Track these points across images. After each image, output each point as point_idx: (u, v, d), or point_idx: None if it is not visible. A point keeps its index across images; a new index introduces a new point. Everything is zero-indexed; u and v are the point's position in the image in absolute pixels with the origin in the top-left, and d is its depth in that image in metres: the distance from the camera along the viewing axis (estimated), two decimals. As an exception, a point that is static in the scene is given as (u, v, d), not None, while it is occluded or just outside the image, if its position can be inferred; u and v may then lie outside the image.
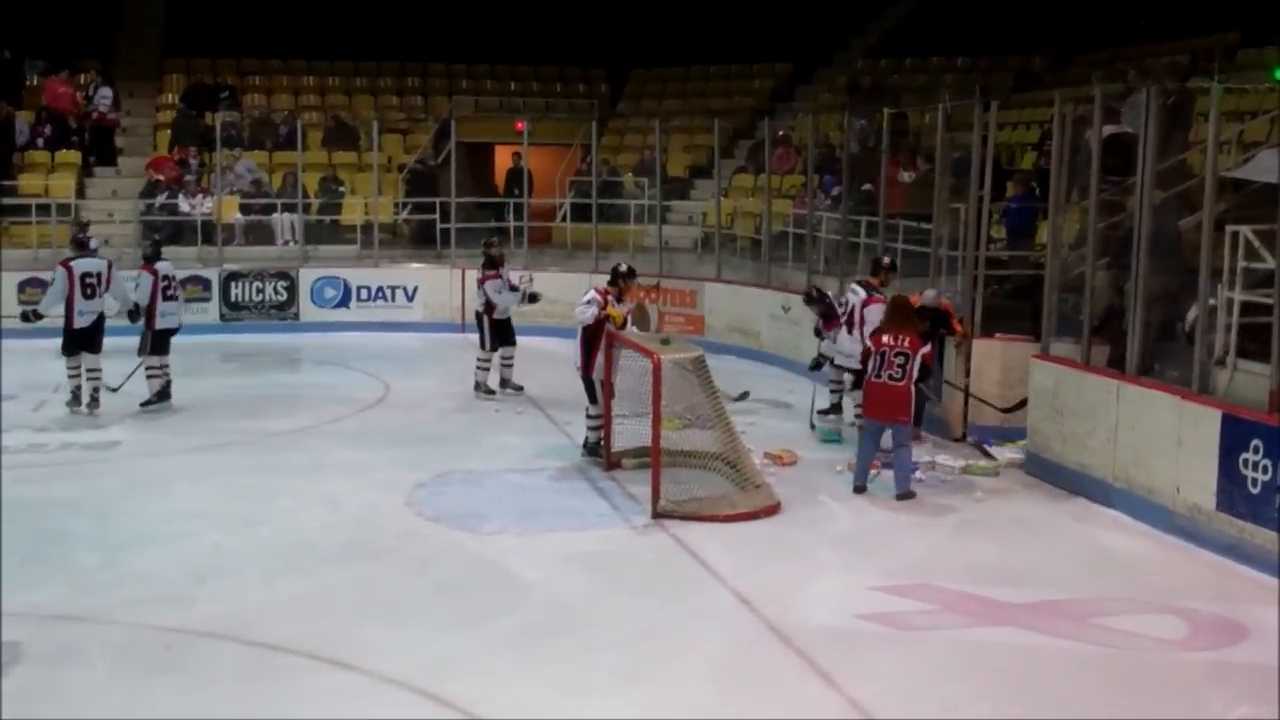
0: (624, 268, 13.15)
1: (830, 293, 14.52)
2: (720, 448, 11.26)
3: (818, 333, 14.05)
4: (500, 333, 15.53)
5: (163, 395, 14.50)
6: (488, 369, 15.52)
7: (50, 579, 8.90)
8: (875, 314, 12.44)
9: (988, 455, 12.31)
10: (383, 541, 9.92)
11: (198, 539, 9.84)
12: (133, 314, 14.47)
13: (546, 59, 28.22)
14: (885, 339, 11.19)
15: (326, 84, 27.81)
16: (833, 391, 13.87)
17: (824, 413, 13.69)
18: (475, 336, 15.74)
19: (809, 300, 14.49)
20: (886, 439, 11.24)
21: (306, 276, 20.82)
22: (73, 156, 23.27)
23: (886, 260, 13.77)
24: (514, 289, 15.50)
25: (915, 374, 11.11)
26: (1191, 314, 10.50)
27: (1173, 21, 21.49)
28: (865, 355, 11.53)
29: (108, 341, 14.30)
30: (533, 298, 15.62)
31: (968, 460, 12.21)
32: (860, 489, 11.24)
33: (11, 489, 10.82)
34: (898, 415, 11.12)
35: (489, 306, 15.48)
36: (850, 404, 13.48)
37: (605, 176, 22.84)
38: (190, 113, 24.39)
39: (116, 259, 15.29)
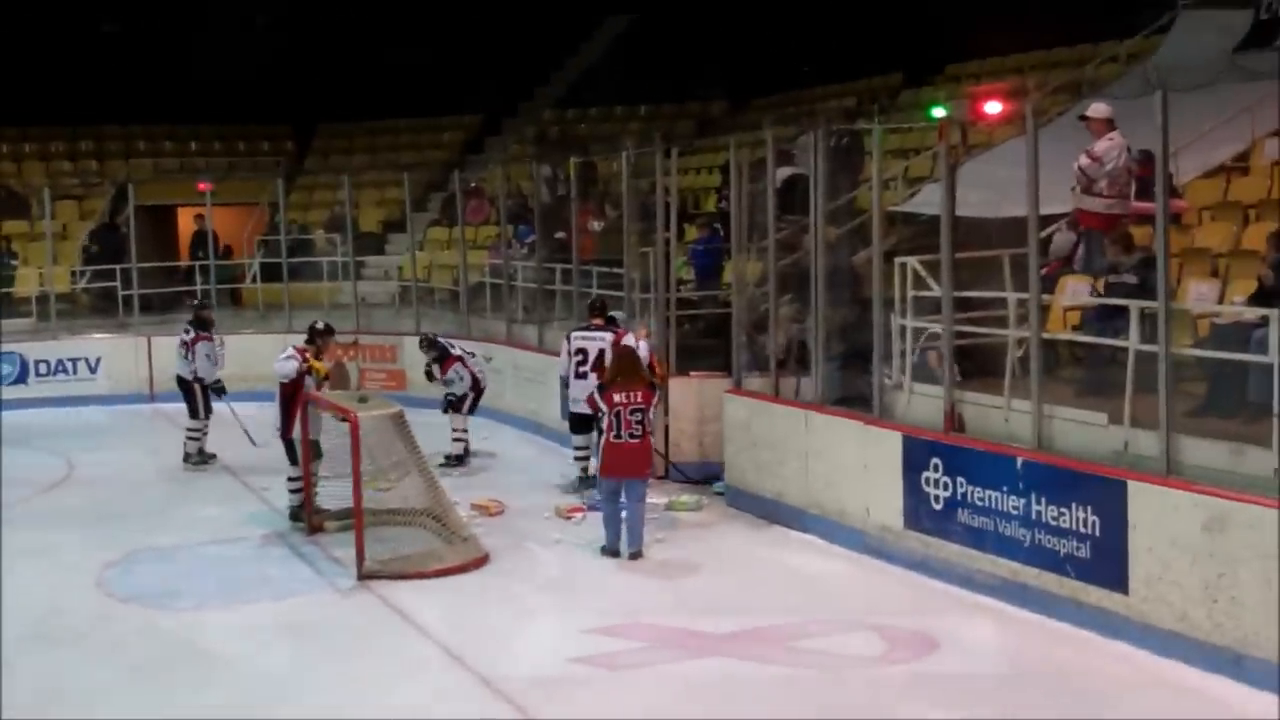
0: (320, 325, 12.92)
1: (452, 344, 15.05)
2: (425, 503, 11.15)
3: (429, 375, 14.88)
4: (207, 399, 14.99)
5: None
6: (199, 438, 14.96)
7: None
8: (632, 342, 12.44)
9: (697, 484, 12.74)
10: (72, 628, 9.39)
11: None
12: None
13: (228, 117, 27.56)
14: (618, 397, 10.71)
15: (-8, 151, 26.51)
16: (455, 439, 14.51)
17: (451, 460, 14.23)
18: (170, 406, 15.06)
19: (422, 345, 15.03)
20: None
21: (-21, 354, 19.61)
22: None
23: (598, 302, 13.94)
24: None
25: (652, 426, 11.01)
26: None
27: (840, 65, 22.63)
28: (593, 406, 11.17)
29: None
30: (218, 390, 15.09)
31: (671, 497, 12.42)
32: (614, 552, 10.72)
33: None
34: (641, 470, 10.83)
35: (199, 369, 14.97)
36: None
37: (295, 235, 22.39)
38: None
39: None
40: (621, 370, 11.01)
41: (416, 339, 15.56)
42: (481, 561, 10.59)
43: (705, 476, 12.95)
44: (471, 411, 14.65)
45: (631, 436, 10.69)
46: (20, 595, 10.10)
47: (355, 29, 27.35)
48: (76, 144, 27.12)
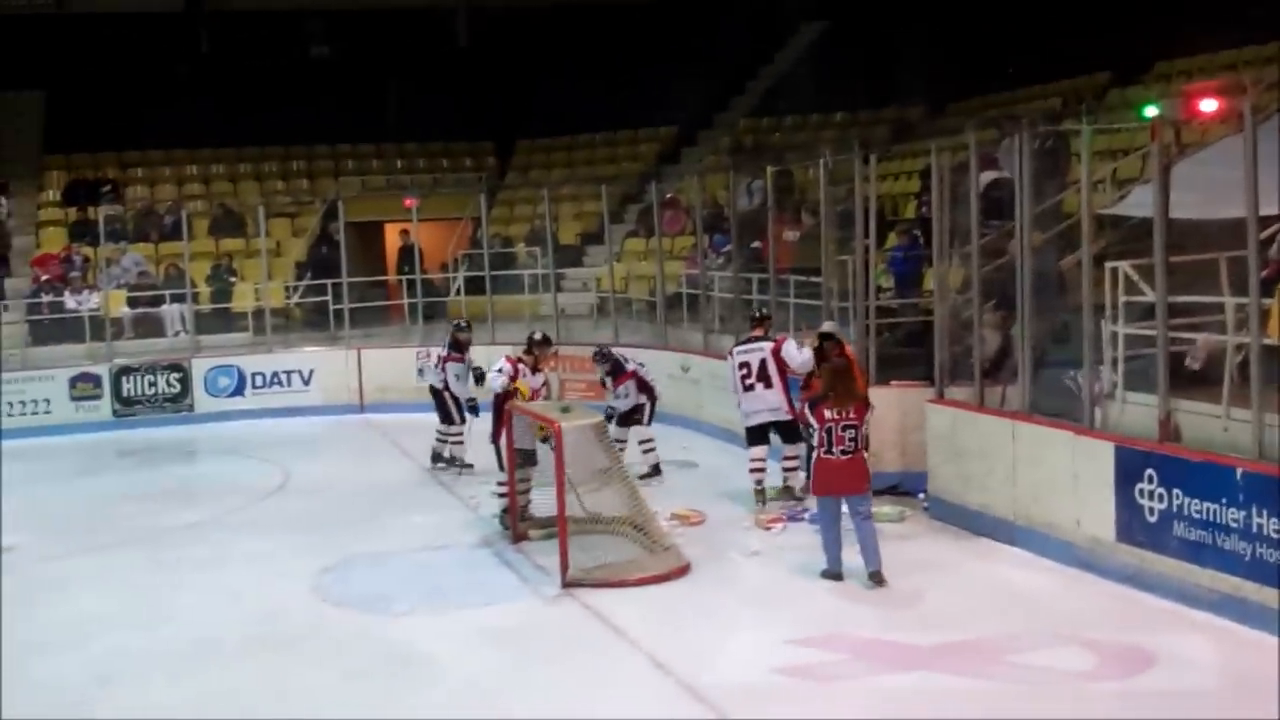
0: (539, 335, 13.22)
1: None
2: (626, 512, 11.24)
3: (604, 384, 14.83)
4: (460, 409, 15.38)
5: None
6: (462, 441, 15.35)
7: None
8: (793, 348, 12.54)
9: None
10: (289, 631, 9.74)
11: (99, 641, 9.60)
12: None
13: (432, 135, 28.32)
14: (828, 413, 10.27)
15: (210, 172, 27.71)
16: (645, 451, 14.30)
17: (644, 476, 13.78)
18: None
19: (596, 358, 15.10)
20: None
21: (199, 366, 20.52)
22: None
23: (762, 311, 13.94)
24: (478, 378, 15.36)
25: (867, 443, 10.52)
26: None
27: (1043, 66, 22.10)
28: (803, 420, 10.92)
29: None
30: (479, 378, 15.47)
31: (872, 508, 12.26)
32: (836, 575, 10.29)
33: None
34: (857, 486, 10.33)
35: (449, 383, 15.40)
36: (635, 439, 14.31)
37: (497, 248, 22.86)
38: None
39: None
40: (836, 386, 10.54)
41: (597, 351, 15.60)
42: (683, 571, 10.64)
43: (906, 488, 12.75)
44: (649, 421, 14.71)
45: (843, 453, 10.28)
46: (240, 600, 10.57)
47: (553, 46, 27.83)
48: (289, 164, 28.08)
